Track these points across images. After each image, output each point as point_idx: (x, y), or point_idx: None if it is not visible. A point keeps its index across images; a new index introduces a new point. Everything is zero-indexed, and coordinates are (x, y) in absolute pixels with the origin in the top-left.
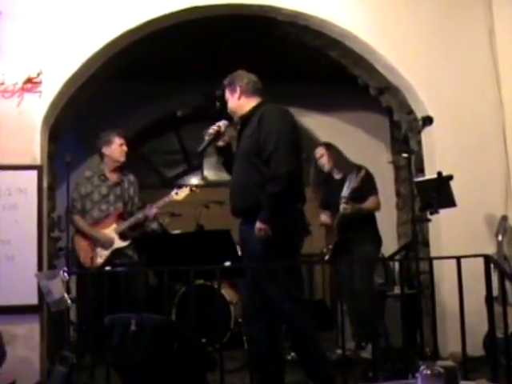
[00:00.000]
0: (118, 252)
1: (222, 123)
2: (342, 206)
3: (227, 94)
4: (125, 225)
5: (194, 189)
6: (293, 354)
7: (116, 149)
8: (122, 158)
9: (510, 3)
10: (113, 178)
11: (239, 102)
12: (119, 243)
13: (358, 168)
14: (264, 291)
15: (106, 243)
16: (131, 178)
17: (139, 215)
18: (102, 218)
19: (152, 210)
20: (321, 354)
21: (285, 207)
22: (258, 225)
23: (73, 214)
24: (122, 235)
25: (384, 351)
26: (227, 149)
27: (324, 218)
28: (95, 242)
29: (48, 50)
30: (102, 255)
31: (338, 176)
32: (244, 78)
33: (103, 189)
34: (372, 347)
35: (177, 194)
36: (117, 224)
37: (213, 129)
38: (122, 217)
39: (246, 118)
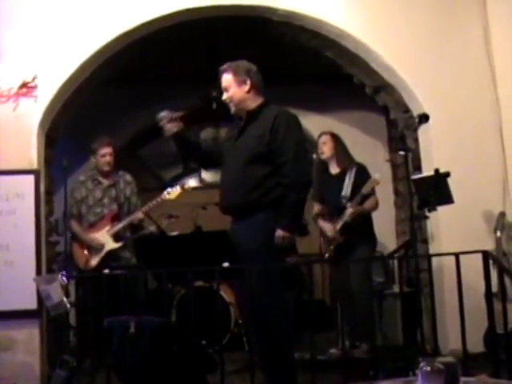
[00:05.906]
0: (113, 254)
1: (164, 114)
2: (348, 213)
3: (230, 83)
4: (118, 227)
5: (186, 187)
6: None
7: (99, 159)
8: (106, 168)
9: (505, 1)
10: (106, 180)
11: (247, 96)
12: (112, 245)
13: (359, 167)
14: (256, 291)
15: (97, 246)
16: (128, 177)
17: (129, 218)
18: (97, 220)
19: (138, 214)
20: (291, 361)
21: (300, 214)
22: (282, 233)
23: (69, 219)
24: (116, 237)
25: (383, 350)
26: (181, 137)
27: (317, 207)
28: (88, 246)
29: (43, 55)
30: (95, 258)
31: (334, 170)
32: (255, 71)
33: (97, 192)
34: (371, 346)
35: (169, 193)
36: (111, 226)
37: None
38: (117, 218)
39: (252, 116)
